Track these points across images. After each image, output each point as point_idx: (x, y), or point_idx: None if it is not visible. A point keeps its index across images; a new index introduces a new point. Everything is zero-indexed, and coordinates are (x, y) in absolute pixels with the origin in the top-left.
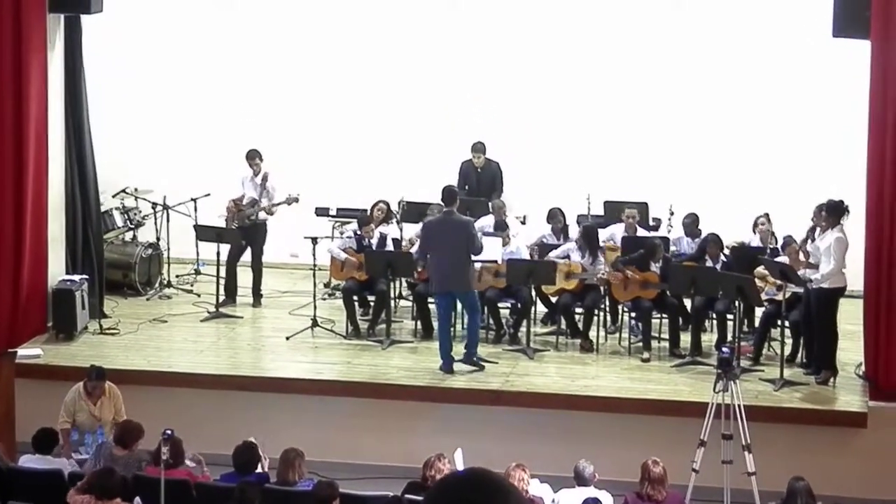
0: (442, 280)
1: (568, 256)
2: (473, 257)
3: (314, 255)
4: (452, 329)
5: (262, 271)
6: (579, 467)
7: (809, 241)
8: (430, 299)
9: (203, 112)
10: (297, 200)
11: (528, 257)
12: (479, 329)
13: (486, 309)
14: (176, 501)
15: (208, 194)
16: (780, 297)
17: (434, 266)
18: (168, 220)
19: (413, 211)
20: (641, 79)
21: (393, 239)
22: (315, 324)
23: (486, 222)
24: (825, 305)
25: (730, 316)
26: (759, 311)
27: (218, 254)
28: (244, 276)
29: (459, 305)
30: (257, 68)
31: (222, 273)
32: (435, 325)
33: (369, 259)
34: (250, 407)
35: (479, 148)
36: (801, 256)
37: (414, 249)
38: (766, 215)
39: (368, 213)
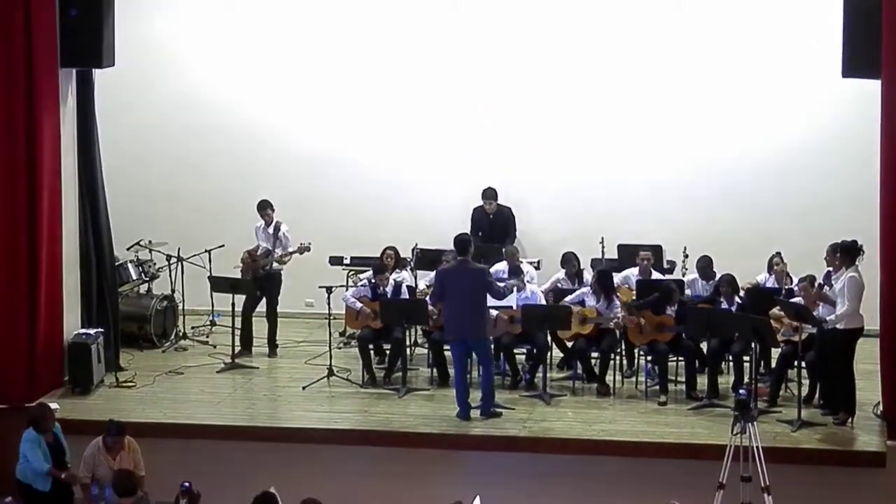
0: (456, 328)
1: (583, 301)
2: (490, 303)
3: (329, 304)
4: (468, 376)
5: (278, 321)
6: None
7: (827, 286)
8: (446, 346)
9: (215, 163)
10: (308, 249)
11: (543, 302)
12: (493, 380)
13: (501, 355)
14: None
15: (222, 245)
16: (796, 337)
17: (448, 314)
18: (182, 272)
19: (427, 258)
20: (653, 124)
21: (408, 286)
22: (331, 373)
23: (500, 268)
24: (841, 346)
25: (746, 358)
26: (775, 352)
27: (233, 304)
28: (259, 327)
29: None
30: (267, 120)
31: (237, 324)
32: (451, 372)
33: (384, 307)
34: (268, 458)
35: (490, 194)
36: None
37: (430, 297)
38: (779, 255)
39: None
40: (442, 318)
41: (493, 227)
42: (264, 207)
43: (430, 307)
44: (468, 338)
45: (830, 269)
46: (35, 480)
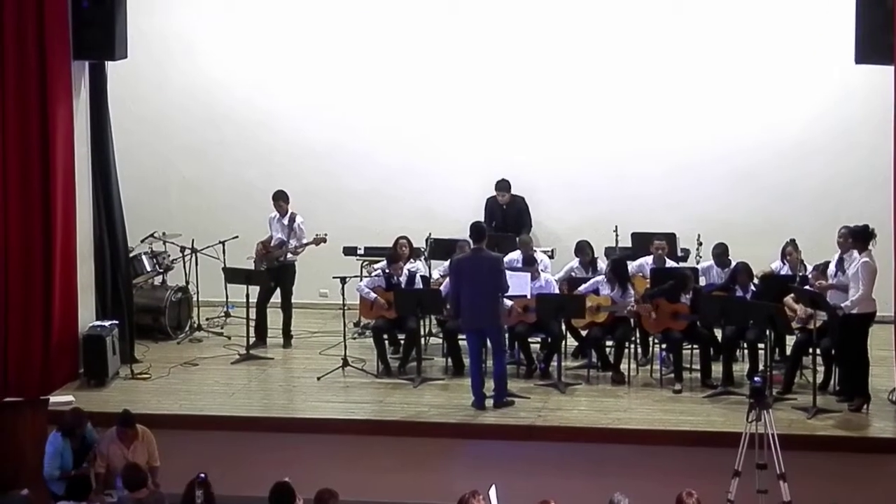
0: (472, 317)
1: (597, 290)
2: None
3: (343, 294)
4: (483, 365)
5: (292, 312)
6: (614, 500)
7: (840, 272)
8: (461, 336)
9: (229, 154)
10: (324, 240)
11: (557, 291)
12: (505, 371)
13: (516, 344)
14: None
15: (236, 237)
16: (811, 324)
17: (464, 303)
18: (197, 264)
19: (440, 247)
20: (666, 112)
21: (422, 276)
22: (346, 363)
23: (514, 257)
24: (855, 332)
25: (761, 345)
26: (790, 340)
27: (247, 296)
28: (274, 318)
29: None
30: (280, 111)
31: (252, 315)
32: (465, 361)
33: (398, 297)
34: (283, 448)
35: (503, 186)
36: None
37: (444, 287)
38: (794, 242)
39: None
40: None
41: (507, 217)
42: (279, 198)
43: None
44: (484, 325)
45: (844, 255)
46: (50, 483)
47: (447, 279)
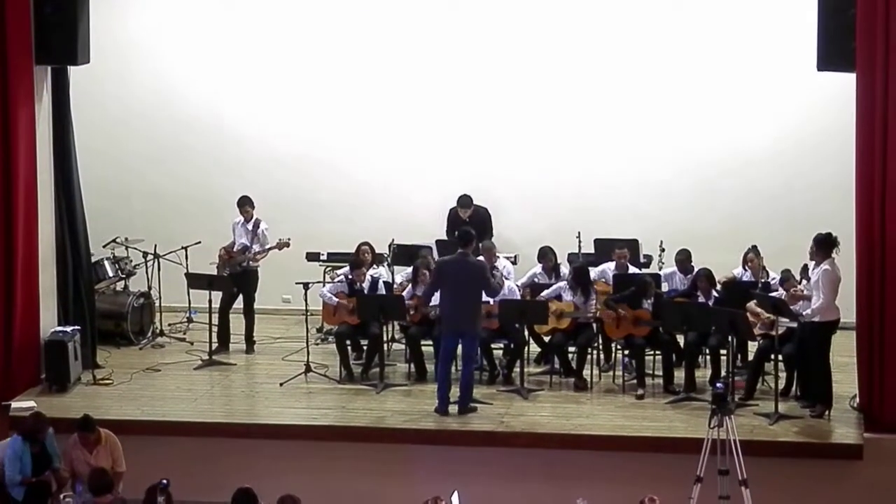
0: (453, 321)
1: (559, 296)
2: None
3: (306, 300)
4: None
5: (255, 317)
6: None
7: (805, 279)
8: (423, 342)
9: (192, 160)
10: (287, 245)
11: (519, 297)
12: (472, 378)
13: (479, 350)
14: None
15: (199, 242)
16: (773, 331)
17: (445, 307)
18: (159, 269)
19: (403, 253)
20: (628, 119)
21: (384, 282)
22: (308, 369)
23: None
24: (817, 339)
25: (723, 351)
26: (752, 346)
27: (210, 301)
28: (237, 323)
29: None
30: (243, 117)
31: (214, 320)
32: (428, 367)
33: (361, 303)
34: (246, 454)
35: (465, 202)
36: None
37: (407, 292)
38: (755, 249)
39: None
40: (420, 312)
41: (471, 225)
42: (244, 204)
43: (408, 301)
44: (462, 330)
45: (811, 263)
46: (11, 488)
47: (409, 285)
